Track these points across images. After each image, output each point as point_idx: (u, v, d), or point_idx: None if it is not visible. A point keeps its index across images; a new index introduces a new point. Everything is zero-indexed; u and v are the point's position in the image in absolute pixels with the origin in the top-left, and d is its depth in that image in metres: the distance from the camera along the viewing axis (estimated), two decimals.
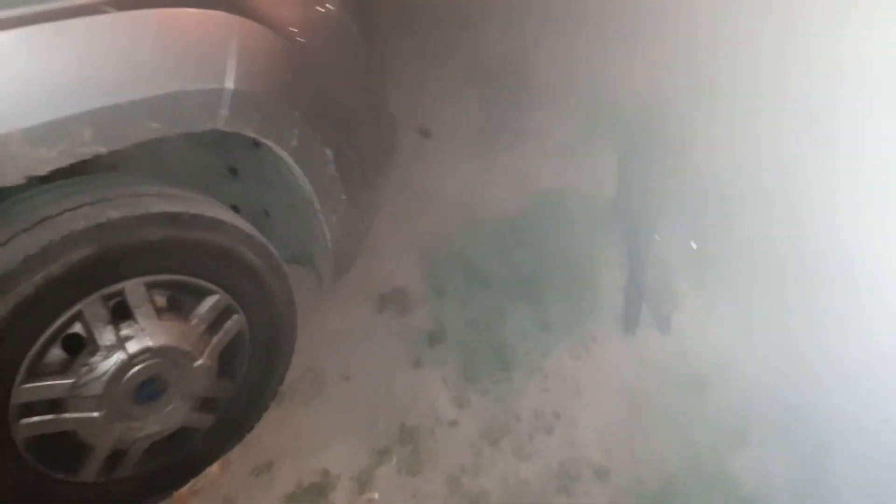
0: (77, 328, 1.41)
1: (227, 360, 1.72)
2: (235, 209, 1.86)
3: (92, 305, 1.40)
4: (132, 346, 1.46)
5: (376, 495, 1.81)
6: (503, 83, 3.54)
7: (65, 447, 1.49)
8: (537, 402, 2.08)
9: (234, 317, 1.68)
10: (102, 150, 1.28)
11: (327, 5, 1.72)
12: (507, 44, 3.75)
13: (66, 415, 1.44)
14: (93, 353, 1.42)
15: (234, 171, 1.85)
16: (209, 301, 1.62)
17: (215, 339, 1.64)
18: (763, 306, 2.41)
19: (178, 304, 1.60)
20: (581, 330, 2.31)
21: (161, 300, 1.56)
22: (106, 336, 1.43)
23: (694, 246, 1.86)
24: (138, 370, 1.49)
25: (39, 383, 1.38)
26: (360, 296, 2.38)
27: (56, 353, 1.41)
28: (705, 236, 2.28)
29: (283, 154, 1.61)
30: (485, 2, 4.38)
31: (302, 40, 1.61)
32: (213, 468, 1.81)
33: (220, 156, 1.81)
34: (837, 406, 2.09)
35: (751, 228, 2.59)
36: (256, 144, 1.63)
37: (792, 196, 2.73)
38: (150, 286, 1.49)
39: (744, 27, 3.78)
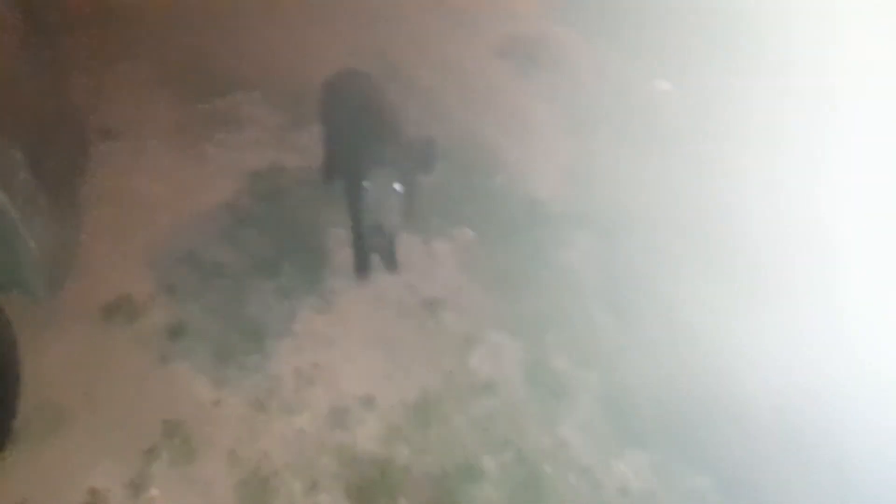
0: None
1: None
2: None
3: None
4: None
5: (155, 492, 1.79)
6: (196, 78, 3.50)
7: None
8: (294, 360, 2.22)
9: None
10: None
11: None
12: (194, 40, 3.68)
13: None
14: None
15: None
16: None
17: None
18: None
19: None
20: (321, 288, 2.49)
21: None
22: None
23: (398, 188, 2.11)
24: None
25: None
26: (82, 313, 2.25)
27: None
28: (407, 179, 2.54)
29: None
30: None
31: None
32: None
33: None
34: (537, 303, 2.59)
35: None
36: None
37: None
38: None
39: None
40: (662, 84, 2.91)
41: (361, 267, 2.54)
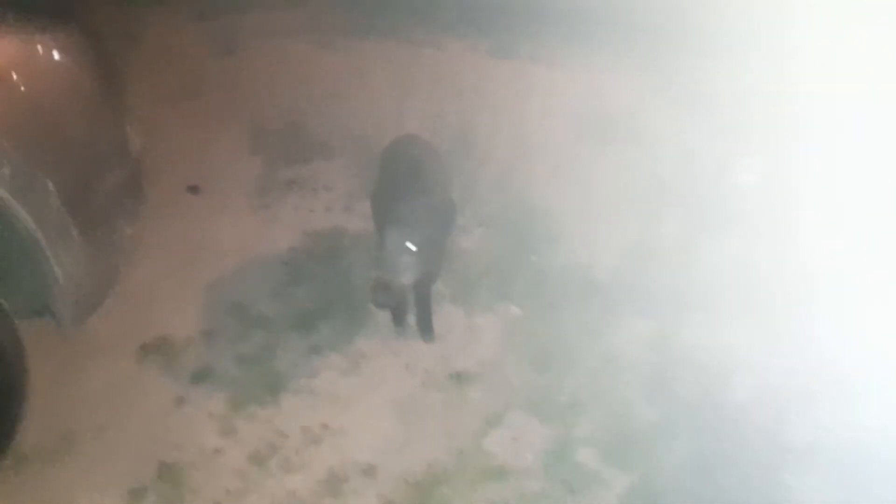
0: None
1: None
2: None
3: None
4: None
5: None
6: (283, 144, 3.74)
7: None
8: (306, 418, 2.15)
9: None
10: None
11: (54, 53, 1.81)
12: (287, 108, 3.96)
13: None
14: None
15: None
16: None
17: None
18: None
19: None
20: (351, 350, 2.44)
21: None
22: None
23: (411, 247, 2.05)
24: None
25: None
26: (120, 347, 2.34)
27: None
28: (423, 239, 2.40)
29: None
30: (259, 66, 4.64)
31: (16, 79, 1.67)
32: None
33: None
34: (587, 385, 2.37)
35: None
36: None
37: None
38: None
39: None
40: None
41: (399, 328, 2.51)
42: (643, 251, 2.90)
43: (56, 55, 1.81)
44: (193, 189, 3.38)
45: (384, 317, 2.58)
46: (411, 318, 2.54)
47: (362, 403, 2.24)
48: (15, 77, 1.66)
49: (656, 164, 3.44)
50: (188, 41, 5.55)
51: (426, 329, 2.50)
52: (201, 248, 2.87)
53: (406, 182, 2.25)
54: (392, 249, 2.03)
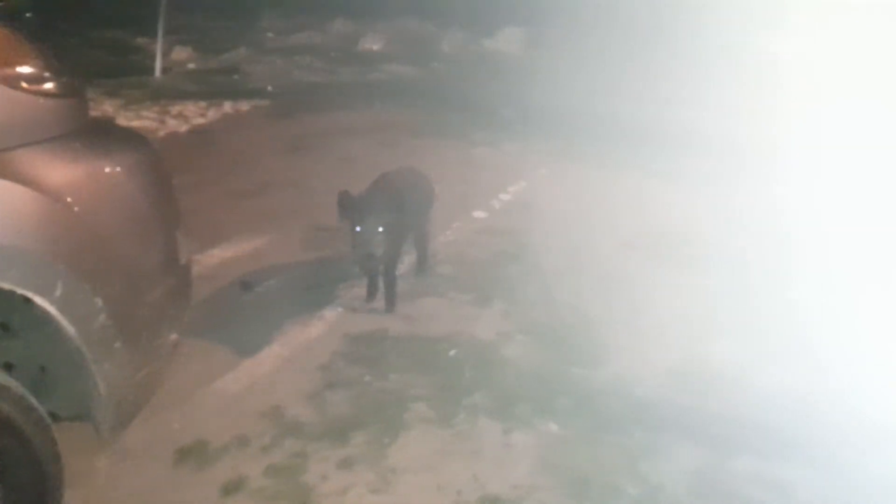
0: None
1: None
2: (8, 367, 1.84)
3: None
4: None
5: None
6: (332, 235, 3.81)
7: None
8: None
9: None
10: None
11: (105, 168, 1.90)
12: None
13: None
14: None
15: (6, 328, 1.85)
16: None
17: None
18: None
19: None
20: (383, 466, 2.35)
21: None
22: None
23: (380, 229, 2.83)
24: None
25: None
26: (157, 451, 2.32)
27: None
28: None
29: (47, 305, 1.67)
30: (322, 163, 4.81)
31: (70, 200, 1.75)
32: None
33: None
34: None
35: None
36: (27, 300, 1.68)
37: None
38: None
39: None
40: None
41: (370, 293, 3.29)
42: (691, 373, 2.75)
43: (114, 178, 1.90)
44: (246, 286, 3.45)
45: (418, 428, 2.52)
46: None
47: None
48: (70, 200, 1.73)
49: (708, 282, 3.33)
50: (254, 141, 5.86)
51: (390, 303, 3.23)
52: (243, 350, 2.89)
53: (379, 191, 3.08)
54: (368, 232, 2.84)
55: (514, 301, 3.35)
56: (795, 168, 4.42)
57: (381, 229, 2.83)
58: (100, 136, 2.00)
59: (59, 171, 1.75)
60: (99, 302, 1.78)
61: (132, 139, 2.17)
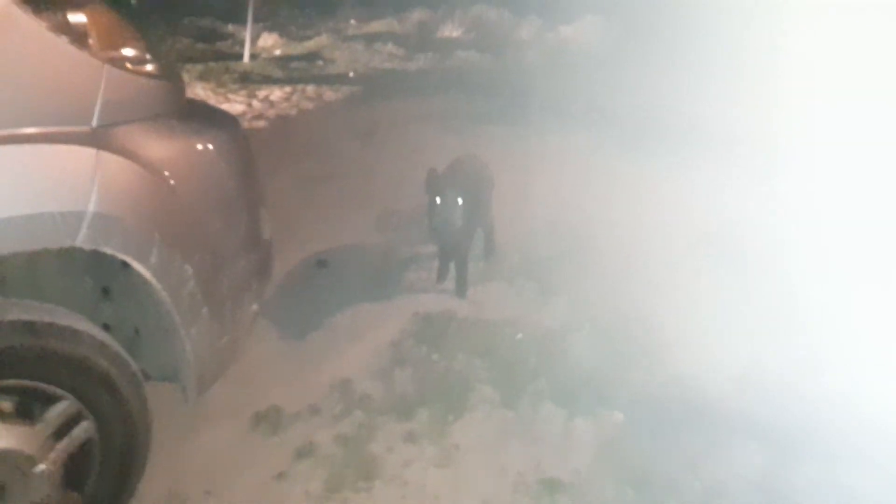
0: None
1: (74, 469, 1.75)
2: (106, 328, 1.96)
3: None
4: None
5: None
6: (409, 229, 3.88)
7: None
8: None
9: (84, 423, 1.74)
10: None
11: (198, 146, 1.99)
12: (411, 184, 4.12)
13: None
14: None
15: (106, 292, 1.98)
16: (58, 407, 1.69)
17: (61, 445, 1.69)
18: None
19: (26, 407, 1.66)
20: (447, 442, 2.39)
21: (7, 404, 1.62)
22: None
23: (460, 201, 2.93)
24: None
25: None
26: (235, 414, 2.43)
27: None
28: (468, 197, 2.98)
29: (143, 270, 1.77)
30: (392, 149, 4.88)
31: (168, 174, 1.84)
32: None
33: (93, 277, 1.94)
34: None
35: None
36: (125, 266, 1.79)
37: None
38: None
39: None
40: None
41: (441, 275, 3.33)
42: (754, 376, 2.65)
43: (207, 156, 1.98)
44: (322, 263, 3.55)
45: (482, 409, 2.54)
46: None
47: (450, 500, 2.17)
48: (167, 174, 1.83)
49: (769, 284, 3.20)
50: (332, 126, 5.99)
51: (462, 287, 3.24)
52: (317, 324, 2.98)
53: (457, 171, 3.19)
54: (449, 203, 2.91)
55: (580, 293, 3.31)
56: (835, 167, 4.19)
57: (460, 201, 2.92)
58: (194, 116, 2.09)
59: (158, 147, 1.84)
60: (189, 270, 1.87)
61: (223, 120, 2.26)
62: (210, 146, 2.01)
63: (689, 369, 2.72)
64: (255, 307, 2.30)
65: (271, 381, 2.62)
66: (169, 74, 2.02)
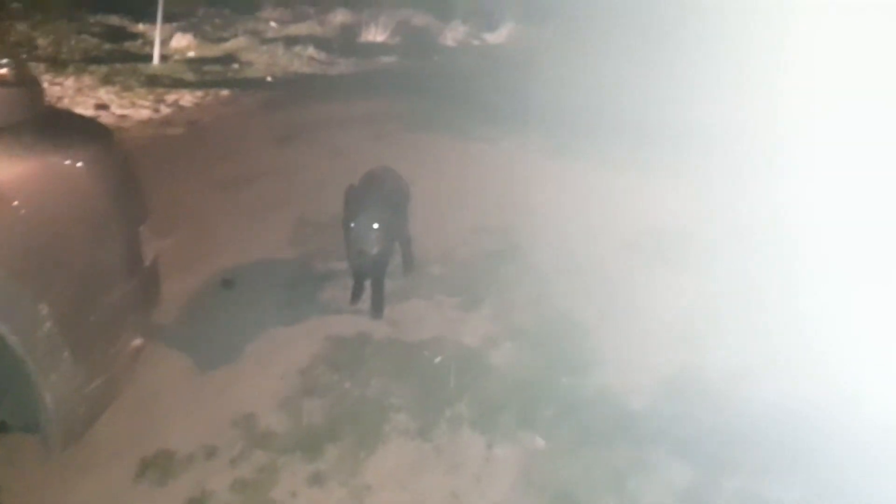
0: None
1: None
2: None
3: None
4: None
5: None
6: (323, 241, 3.65)
7: None
8: None
9: None
10: None
11: (58, 163, 1.72)
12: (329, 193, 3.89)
13: None
14: None
15: None
16: None
17: None
18: None
19: None
20: (357, 482, 2.19)
21: None
22: None
23: (375, 226, 2.72)
24: None
25: None
26: (118, 461, 2.16)
27: None
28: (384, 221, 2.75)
29: None
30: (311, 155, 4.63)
31: (14, 199, 1.57)
32: None
33: None
34: None
35: None
36: None
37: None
38: None
39: None
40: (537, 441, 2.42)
41: (355, 295, 3.13)
42: (684, 384, 2.59)
43: (68, 173, 1.72)
44: (228, 283, 3.28)
45: (396, 441, 2.36)
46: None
47: None
48: (14, 199, 1.56)
49: (707, 286, 3.16)
50: (247, 132, 5.68)
51: (377, 309, 3.04)
52: (218, 351, 2.72)
53: (371, 189, 2.96)
54: (363, 230, 2.73)
55: (504, 304, 3.18)
56: (799, 167, 4.25)
57: (375, 226, 2.73)
58: (54, 128, 1.82)
59: (3, 167, 1.57)
60: (44, 309, 1.61)
61: (91, 130, 1.99)
62: (74, 162, 1.75)
63: (615, 380, 2.64)
64: (137, 342, 2.03)
65: (163, 419, 2.35)
66: (20, 78, 1.74)
